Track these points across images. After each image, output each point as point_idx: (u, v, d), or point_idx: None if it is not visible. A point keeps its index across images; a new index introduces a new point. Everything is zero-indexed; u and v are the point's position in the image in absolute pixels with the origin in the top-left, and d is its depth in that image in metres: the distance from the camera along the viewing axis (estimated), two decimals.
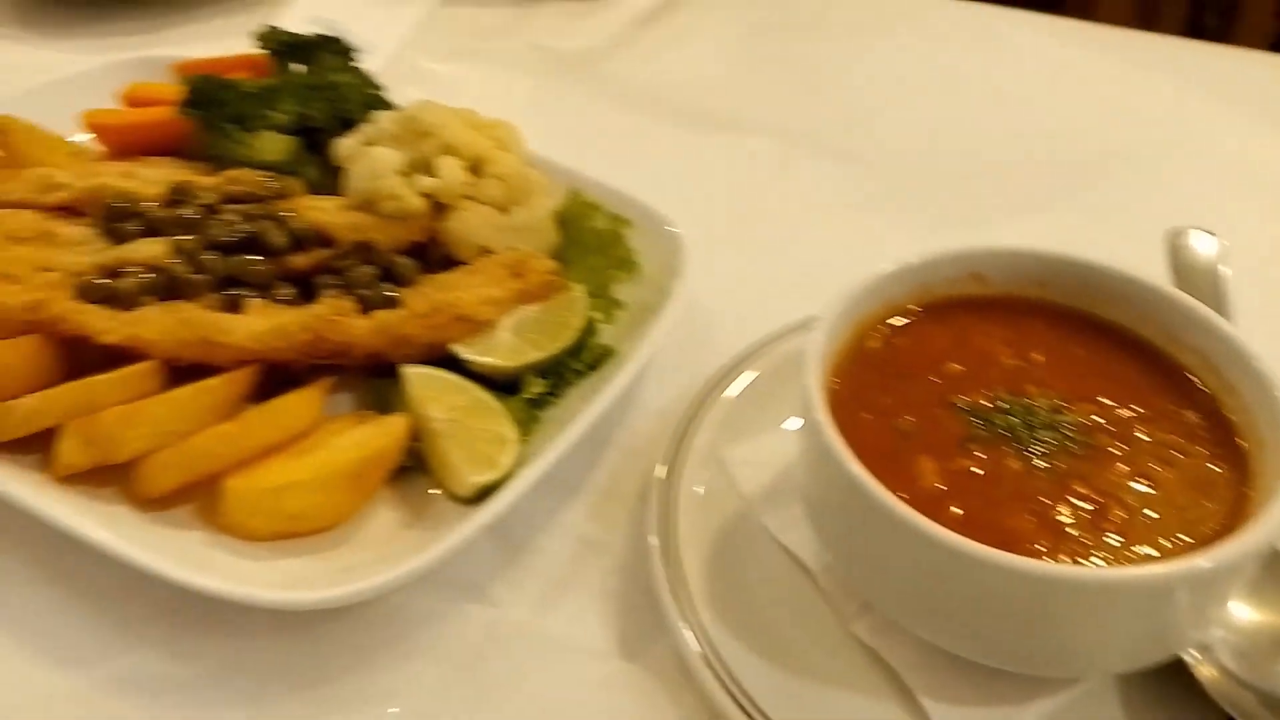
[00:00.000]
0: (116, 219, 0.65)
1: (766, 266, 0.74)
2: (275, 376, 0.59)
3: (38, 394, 0.54)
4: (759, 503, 0.54)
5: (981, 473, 0.45)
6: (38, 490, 0.53)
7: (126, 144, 0.80)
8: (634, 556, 0.54)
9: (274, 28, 0.80)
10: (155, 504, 0.54)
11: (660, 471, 0.54)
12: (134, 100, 0.83)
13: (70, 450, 0.53)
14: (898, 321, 0.52)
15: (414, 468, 0.56)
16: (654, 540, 0.51)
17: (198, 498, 0.54)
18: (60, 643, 0.51)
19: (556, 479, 0.56)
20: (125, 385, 0.55)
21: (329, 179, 0.72)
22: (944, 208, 0.82)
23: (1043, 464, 0.45)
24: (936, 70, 0.99)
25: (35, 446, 0.55)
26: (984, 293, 0.53)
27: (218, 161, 0.73)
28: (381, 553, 0.52)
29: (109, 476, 0.55)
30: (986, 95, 0.96)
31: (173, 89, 0.82)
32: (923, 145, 0.88)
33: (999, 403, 0.48)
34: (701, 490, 0.54)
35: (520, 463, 0.54)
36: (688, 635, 0.47)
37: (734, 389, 0.59)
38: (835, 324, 0.48)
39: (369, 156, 0.65)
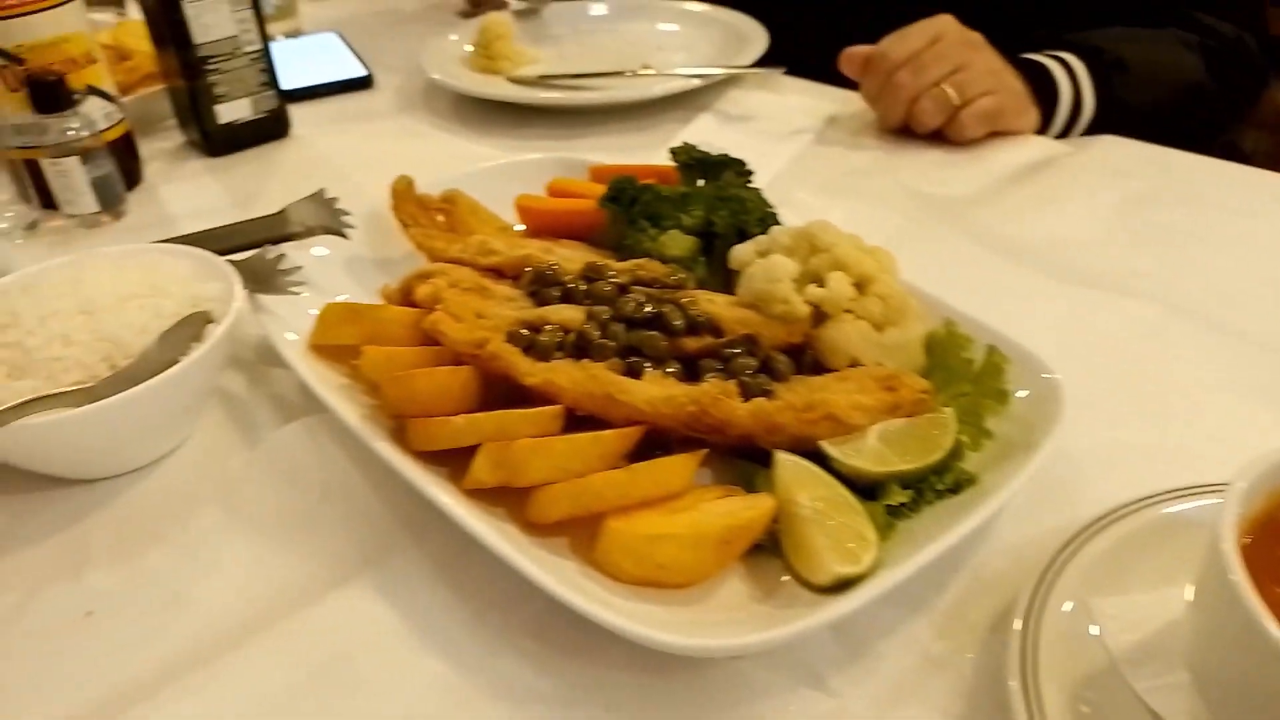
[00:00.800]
0: (541, 284, 0.75)
1: (1141, 429, 0.71)
2: (649, 441, 0.65)
3: (467, 416, 0.63)
4: (1127, 662, 0.51)
5: None
6: (450, 498, 0.61)
7: (544, 226, 0.92)
8: (981, 686, 0.53)
9: (689, 145, 0.90)
10: (537, 529, 0.61)
11: (1018, 623, 0.53)
12: (555, 191, 0.96)
13: (483, 467, 0.61)
14: None
15: (767, 548, 0.59)
16: (1014, 684, 0.50)
17: (573, 532, 0.61)
18: (445, 638, 0.58)
19: (904, 590, 0.56)
20: (535, 422, 0.63)
21: (714, 278, 0.80)
22: None
23: None
24: None
25: (444, 460, 0.65)
26: None
27: (624, 250, 0.82)
28: (733, 617, 0.55)
29: (500, 498, 0.62)
30: None
31: (588, 185, 0.95)
32: None
33: None
34: (1063, 637, 0.52)
35: (878, 565, 0.55)
36: None
37: (1102, 543, 0.57)
38: (1249, 490, 0.46)
39: (768, 263, 0.70)
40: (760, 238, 0.77)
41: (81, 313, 0.69)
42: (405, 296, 0.81)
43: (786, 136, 1.23)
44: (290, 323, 0.79)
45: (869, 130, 1.23)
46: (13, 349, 0.66)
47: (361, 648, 0.58)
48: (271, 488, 0.69)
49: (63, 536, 0.67)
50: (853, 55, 1.20)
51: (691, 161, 0.88)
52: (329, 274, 0.87)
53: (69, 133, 1.05)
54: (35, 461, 0.68)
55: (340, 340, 0.77)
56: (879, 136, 1.22)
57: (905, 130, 1.20)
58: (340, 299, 0.81)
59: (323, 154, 1.28)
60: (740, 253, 0.76)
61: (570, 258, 0.82)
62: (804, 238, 0.73)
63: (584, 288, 0.74)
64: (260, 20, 1.23)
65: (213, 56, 1.20)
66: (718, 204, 0.80)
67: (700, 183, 0.88)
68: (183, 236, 0.91)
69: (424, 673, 0.56)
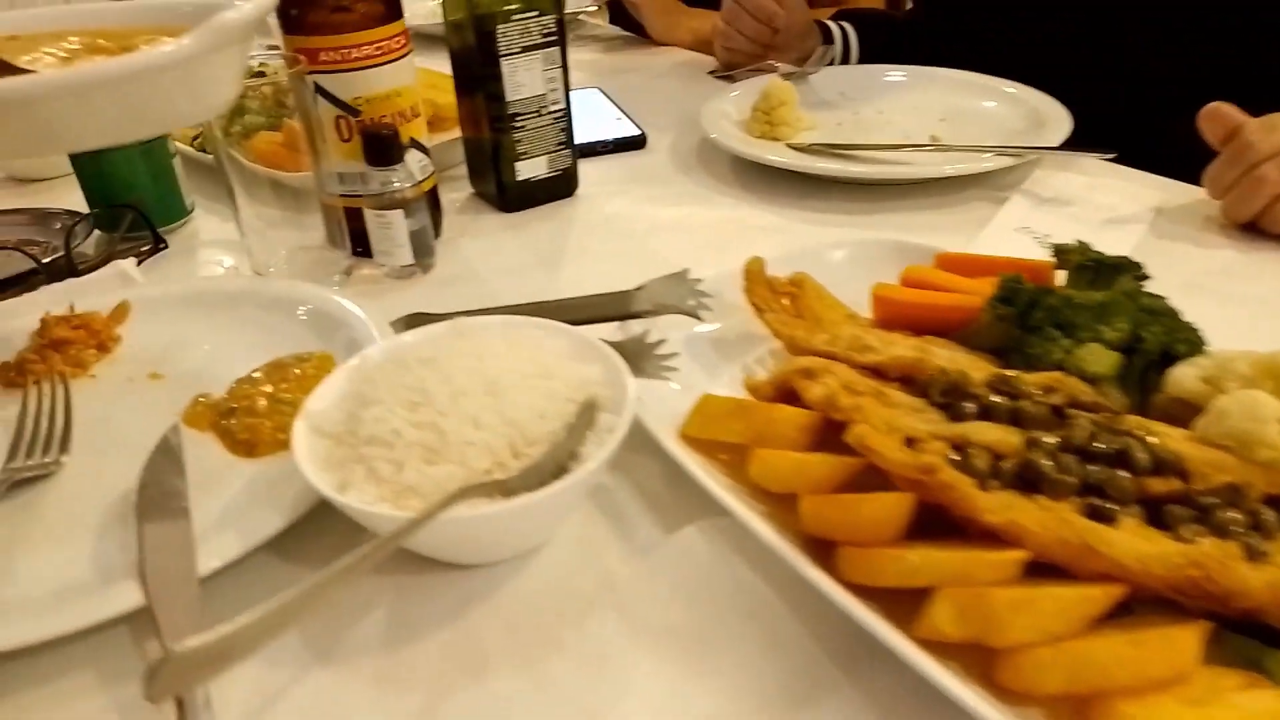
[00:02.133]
0: (955, 396, 0.68)
1: None
2: None
3: (922, 552, 0.57)
4: None
5: None
6: (905, 644, 0.54)
7: (902, 318, 0.86)
8: None
9: (1084, 243, 0.82)
10: (1007, 694, 0.53)
11: None
12: (910, 281, 0.89)
13: (945, 618, 0.54)
14: None
15: None
16: None
17: (1051, 704, 0.53)
18: None
19: None
20: (999, 568, 0.56)
21: (1129, 401, 0.71)
22: None
23: None
24: None
25: (874, 592, 0.58)
26: None
27: (1013, 357, 0.75)
28: None
29: (949, 645, 0.56)
30: None
31: (949, 278, 0.88)
32: None
33: None
34: None
35: None
36: None
37: None
38: None
39: (1251, 400, 0.62)
40: (1202, 362, 0.68)
41: (488, 394, 0.66)
42: (779, 392, 0.76)
43: (1116, 225, 1.14)
44: (648, 407, 0.74)
45: (1208, 225, 1.13)
46: (427, 430, 0.64)
47: None
48: (672, 599, 0.64)
49: (454, 630, 0.63)
50: (1220, 116, 1.09)
51: (1087, 261, 0.80)
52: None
53: (394, 184, 1.05)
54: (433, 548, 0.65)
55: (721, 436, 0.72)
56: (1222, 232, 1.11)
57: (1249, 227, 1.10)
58: (706, 389, 0.77)
59: (610, 215, 1.26)
60: (1184, 379, 0.68)
61: (954, 360, 0.75)
62: (1271, 367, 0.64)
63: (1005, 404, 0.67)
64: (566, 81, 1.22)
65: (520, 114, 1.20)
66: (1145, 318, 0.72)
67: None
68: (527, 305, 0.89)
69: None
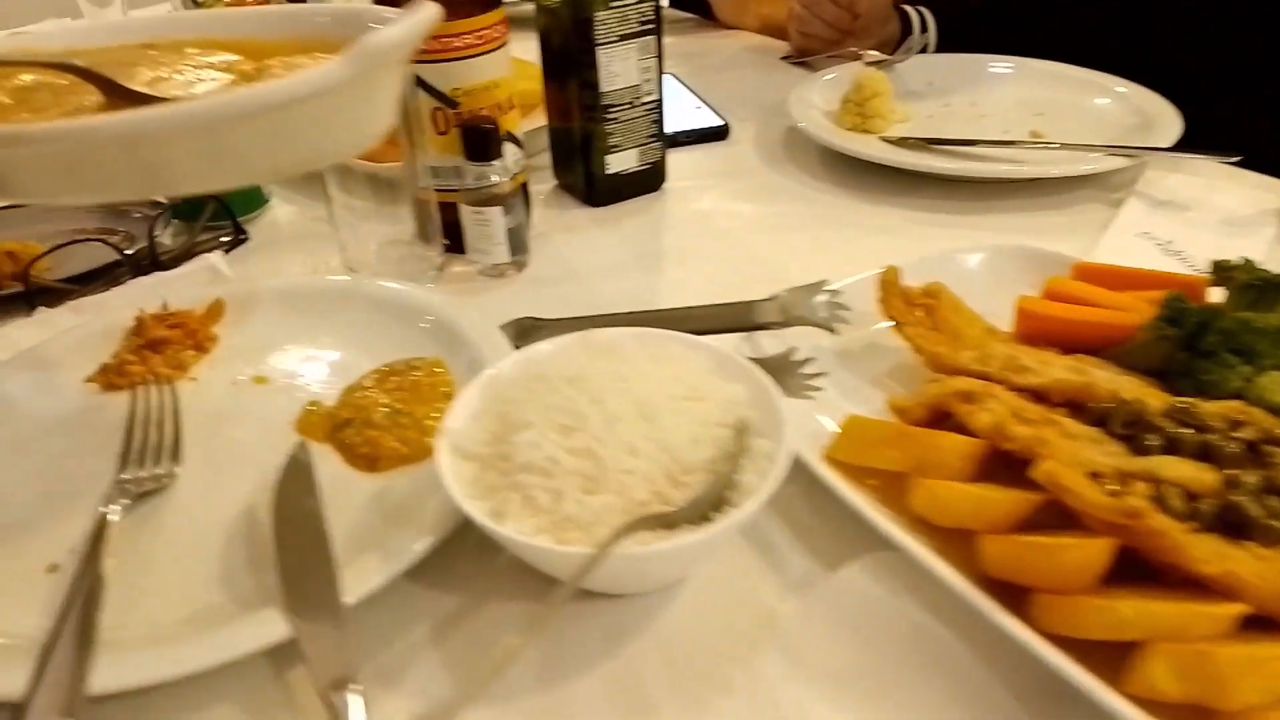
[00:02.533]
0: (1138, 428, 0.64)
1: None
2: None
3: (1134, 604, 0.53)
4: None
5: None
6: (1126, 704, 0.51)
7: (1041, 333, 0.81)
8: None
9: (1249, 261, 0.77)
10: None
11: None
12: (1051, 294, 0.85)
13: (1163, 675, 0.51)
14: None
15: None
16: None
17: None
18: None
19: None
20: (1215, 622, 0.52)
21: None
22: None
23: None
24: None
25: (1062, 641, 0.55)
26: None
27: (1179, 381, 0.71)
28: None
29: (1163, 709, 0.52)
30: None
31: (1086, 289, 0.84)
32: None
33: None
34: None
35: None
36: None
37: None
38: None
39: None
40: None
41: (641, 418, 0.62)
42: (930, 415, 0.72)
43: (1240, 232, 1.08)
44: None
45: None
46: (583, 458, 0.60)
47: None
48: (841, 640, 0.61)
49: (611, 666, 0.60)
50: None
51: (1256, 280, 0.75)
52: None
53: (491, 179, 1.01)
54: (588, 579, 0.62)
55: (874, 463, 0.68)
56: None
57: None
58: (841, 406, 0.73)
59: (702, 211, 1.22)
60: None
61: (1117, 383, 0.71)
62: None
63: (1192, 437, 0.63)
64: (660, 71, 1.17)
65: (614, 105, 1.15)
66: None
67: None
68: (649, 314, 0.85)
69: None
